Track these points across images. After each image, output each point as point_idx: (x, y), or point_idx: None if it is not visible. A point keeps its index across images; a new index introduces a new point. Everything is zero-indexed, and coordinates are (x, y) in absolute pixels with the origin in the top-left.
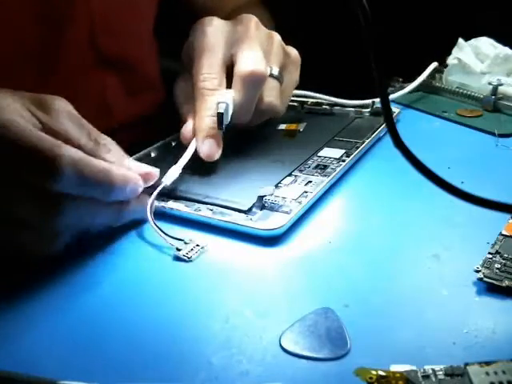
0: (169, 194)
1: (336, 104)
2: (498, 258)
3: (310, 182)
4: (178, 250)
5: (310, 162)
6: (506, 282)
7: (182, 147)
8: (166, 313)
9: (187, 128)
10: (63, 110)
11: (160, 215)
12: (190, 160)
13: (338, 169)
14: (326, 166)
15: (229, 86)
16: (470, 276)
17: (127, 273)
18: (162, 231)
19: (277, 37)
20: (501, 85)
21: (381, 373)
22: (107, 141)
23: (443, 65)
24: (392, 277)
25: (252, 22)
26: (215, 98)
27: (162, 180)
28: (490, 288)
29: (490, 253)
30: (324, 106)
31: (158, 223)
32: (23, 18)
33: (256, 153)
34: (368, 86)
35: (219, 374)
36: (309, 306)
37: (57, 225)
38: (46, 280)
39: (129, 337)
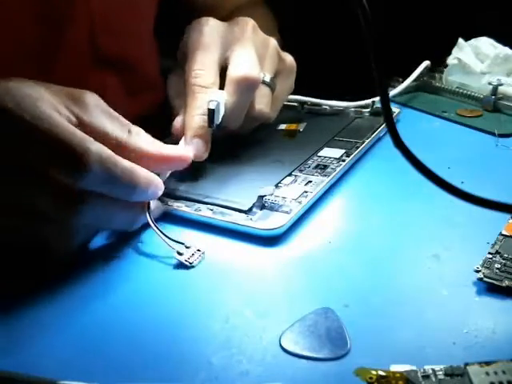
0: (169, 194)
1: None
2: (498, 258)
3: (310, 181)
4: (180, 253)
5: (309, 162)
6: (506, 282)
7: None
8: (166, 313)
9: (177, 122)
10: (96, 104)
11: (160, 215)
12: None
13: (337, 169)
14: (325, 166)
15: (221, 87)
16: (469, 276)
17: (127, 273)
18: (164, 234)
19: (272, 42)
20: (501, 85)
21: (381, 373)
22: (138, 129)
23: (443, 65)
24: (392, 277)
25: (249, 25)
26: (206, 96)
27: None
28: (490, 288)
29: (490, 253)
30: (324, 106)
31: (158, 223)
32: (23, 18)
33: (256, 153)
34: (368, 86)
35: (219, 374)
36: (309, 306)
37: (75, 222)
38: (47, 281)
39: (129, 337)
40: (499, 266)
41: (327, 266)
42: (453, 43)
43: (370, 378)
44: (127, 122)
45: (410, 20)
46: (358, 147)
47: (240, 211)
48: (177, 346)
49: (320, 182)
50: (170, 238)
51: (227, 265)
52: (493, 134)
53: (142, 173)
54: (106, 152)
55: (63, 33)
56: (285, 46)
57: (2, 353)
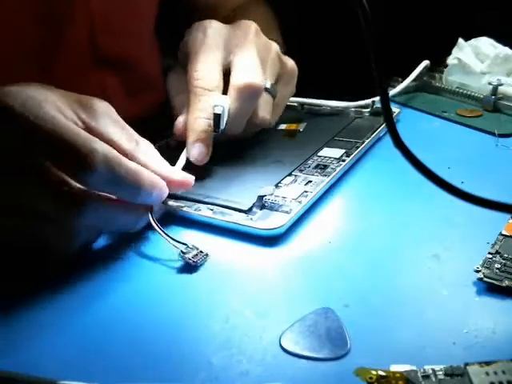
0: (169, 194)
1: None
2: (498, 258)
3: (310, 181)
4: (184, 253)
5: (309, 162)
6: (506, 282)
7: (183, 147)
8: (167, 313)
9: (179, 123)
10: (105, 111)
11: (160, 215)
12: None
13: (337, 169)
14: (325, 166)
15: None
16: (470, 276)
17: (127, 273)
18: (167, 234)
19: (274, 46)
20: (501, 85)
21: (381, 373)
22: (147, 144)
23: (443, 65)
24: (392, 277)
25: (251, 28)
26: (209, 99)
27: None
28: (490, 288)
29: (490, 253)
30: (324, 106)
31: (159, 223)
32: (23, 18)
33: (256, 153)
34: (368, 86)
35: (219, 374)
36: (309, 306)
37: (76, 223)
38: (47, 281)
39: (129, 337)
40: (499, 265)
41: (327, 266)
42: (453, 43)
43: (370, 378)
44: (138, 136)
45: (410, 20)
46: (358, 147)
47: (240, 211)
48: (177, 346)
49: (320, 182)
50: (173, 239)
51: (227, 265)
52: (493, 134)
53: (147, 175)
54: (112, 152)
55: (63, 33)
56: (285, 45)
57: (2, 353)
